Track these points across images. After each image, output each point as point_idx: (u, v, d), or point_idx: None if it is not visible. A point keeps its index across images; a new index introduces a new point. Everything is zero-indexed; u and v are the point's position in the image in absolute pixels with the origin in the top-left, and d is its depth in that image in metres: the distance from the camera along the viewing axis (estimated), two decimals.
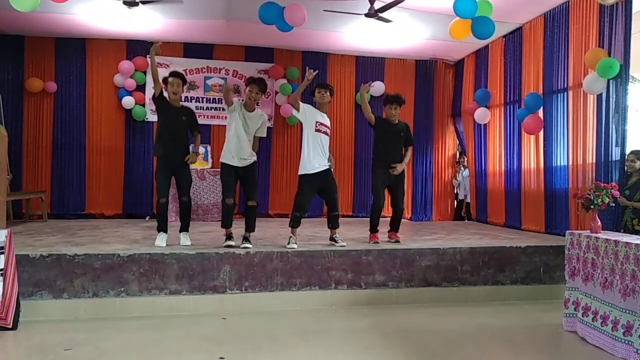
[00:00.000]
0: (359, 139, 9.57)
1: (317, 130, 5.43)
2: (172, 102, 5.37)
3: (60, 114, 8.69)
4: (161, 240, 5.18)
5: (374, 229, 5.80)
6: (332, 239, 5.53)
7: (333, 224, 5.57)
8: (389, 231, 5.89)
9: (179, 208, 5.69)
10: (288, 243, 5.25)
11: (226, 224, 5.29)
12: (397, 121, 5.90)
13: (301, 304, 4.86)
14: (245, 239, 5.20)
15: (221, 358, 3.47)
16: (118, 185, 8.85)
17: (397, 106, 5.83)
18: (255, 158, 5.48)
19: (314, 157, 5.38)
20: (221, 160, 5.39)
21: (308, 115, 5.44)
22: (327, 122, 5.58)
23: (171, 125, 5.32)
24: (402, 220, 6.20)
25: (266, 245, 5.26)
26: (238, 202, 6.31)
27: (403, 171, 5.86)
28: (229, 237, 5.23)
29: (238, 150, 5.31)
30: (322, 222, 6.30)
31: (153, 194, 8.72)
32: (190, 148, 5.53)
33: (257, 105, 5.77)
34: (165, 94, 5.36)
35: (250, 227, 5.36)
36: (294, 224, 5.40)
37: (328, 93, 5.56)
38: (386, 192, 5.90)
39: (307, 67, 5.60)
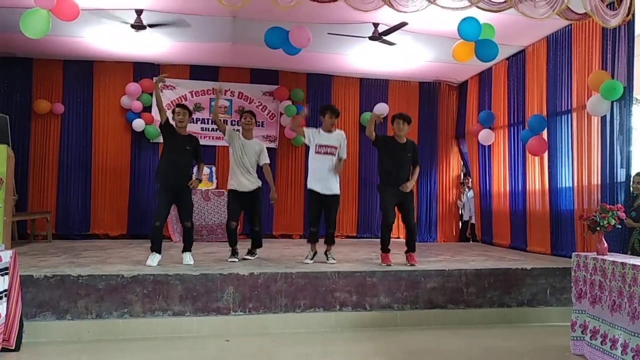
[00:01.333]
0: (362, 160, 9.60)
1: (317, 152, 5.71)
2: (179, 130, 5.59)
3: (67, 136, 8.77)
4: (152, 260, 5.25)
5: (385, 248, 5.77)
6: (325, 254, 5.75)
7: (328, 241, 5.80)
8: (406, 252, 5.84)
9: (182, 233, 5.81)
10: (306, 257, 5.70)
11: (231, 244, 5.83)
12: (404, 140, 5.90)
13: (305, 326, 4.81)
14: (249, 252, 5.87)
15: None
16: (123, 206, 8.87)
17: (404, 122, 5.82)
18: (259, 184, 5.92)
19: (312, 178, 5.73)
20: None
21: (311, 139, 5.77)
22: (333, 142, 5.76)
23: (176, 152, 5.50)
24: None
25: (270, 266, 5.24)
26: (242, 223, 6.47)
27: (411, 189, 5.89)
28: (234, 253, 5.70)
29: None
30: (322, 245, 6.27)
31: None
32: (194, 175, 5.77)
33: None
34: (172, 122, 5.59)
35: (256, 244, 5.97)
36: (310, 239, 5.79)
37: (333, 116, 5.79)
38: (396, 210, 5.89)
39: (305, 106, 5.99)
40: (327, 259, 5.67)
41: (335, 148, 5.73)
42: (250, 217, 6.02)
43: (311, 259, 5.66)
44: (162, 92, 8.84)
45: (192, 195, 5.70)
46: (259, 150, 5.96)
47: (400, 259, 5.74)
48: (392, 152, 5.81)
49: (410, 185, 5.78)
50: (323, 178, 5.65)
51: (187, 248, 5.51)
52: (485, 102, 8.70)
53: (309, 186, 5.75)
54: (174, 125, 5.58)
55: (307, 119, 9.28)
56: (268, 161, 6.06)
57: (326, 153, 5.69)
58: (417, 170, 5.96)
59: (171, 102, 8.94)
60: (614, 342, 3.73)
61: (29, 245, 7.25)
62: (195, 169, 5.97)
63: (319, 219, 5.78)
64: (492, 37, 5.91)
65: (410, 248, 5.77)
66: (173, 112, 5.67)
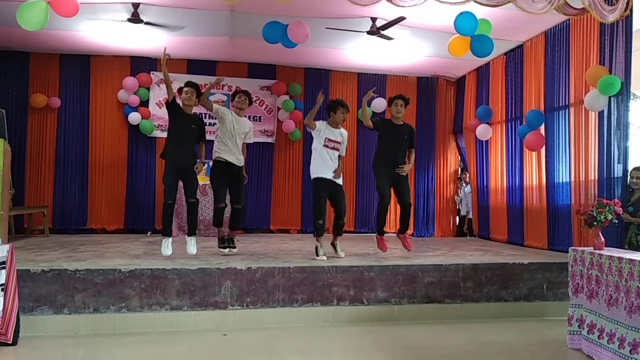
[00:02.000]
0: (360, 155, 9.59)
1: (325, 146, 5.68)
2: (185, 109, 5.60)
3: (64, 130, 8.74)
4: (167, 247, 5.34)
5: (381, 230, 5.83)
6: (333, 245, 5.75)
7: (338, 231, 5.80)
8: (399, 233, 5.86)
9: (186, 211, 5.76)
10: (317, 254, 5.50)
11: (217, 223, 5.80)
12: (401, 122, 5.93)
13: (303, 321, 4.82)
14: (229, 241, 5.76)
15: None
16: (120, 201, 8.86)
17: (401, 102, 5.88)
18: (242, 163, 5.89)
19: (322, 167, 5.65)
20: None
21: (321, 132, 5.70)
22: (339, 137, 5.78)
23: (182, 131, 5.55)
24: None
25: (268, 261, 5.24)
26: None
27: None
28: (223, 241, 5.74)
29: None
30: (324, 238, 6.27)
31: (155, 209, 8.75)
32: (198, 160, 5.76)
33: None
34: (178, 101, 5.62)
35: (237, 225, 5.91)
36: (318, 233, 5.64)
37: (346, 112, 5.85)
38: (391, 191, 5.93)
39: (320, 92, 5.86)
40: (337, 251, 5.70)
41: (340, 144, 5.78)
42: (236, 194, 5.86)
43: (324, 255, 5.49)
44: (158, 86, 8.87)
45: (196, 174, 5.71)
46: (247, 130, 5.92)
47: (398, 253, 5.76)
48: (390, 133, 5.82)
49: (407, 169, 5.85)
50: (331, 167, 5.66)
51: (192, 231, 5.59)
52: (483, 97, 8.69)
53: (317, 175, 5.65)
54: (181, 104, 5.59)
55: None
56: (251, 141, 6.05)
57: (333, 148, 5.72)
58: (414, 153, 5.99)
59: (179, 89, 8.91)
60: (610, 336, 3.75)
61: (26, 240, 7.24)
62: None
63: (326, 210, 5.76)
64: (489, 33, 5.91)
65: (403, 227, 5.81)
66: (180, 90, 5.68)
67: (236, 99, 5.90)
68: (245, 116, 6.06)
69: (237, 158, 5.77)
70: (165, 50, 5.62)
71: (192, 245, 5.51)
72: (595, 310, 3.97)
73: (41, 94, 8.54)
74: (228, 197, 5.91)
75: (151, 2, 6.37)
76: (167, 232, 5.46)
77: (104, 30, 7.35)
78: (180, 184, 5.68)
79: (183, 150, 5.52)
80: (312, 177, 5.73)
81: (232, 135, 5.72)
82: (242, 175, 5.90)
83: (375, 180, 6.01)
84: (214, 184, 5.81)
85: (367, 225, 9.46)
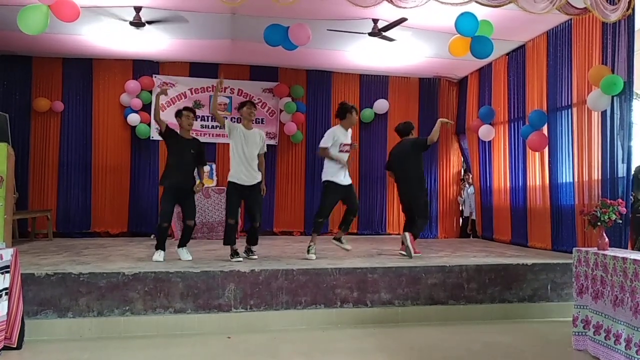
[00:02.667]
0: (363, 156, 9.59)
1: (341, 151, 5.80)
2: (183, 134, 5.66)
3: (67, 133, 8.77)
4: (159, 256, 5.38)
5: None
6: (339, 239, 5.91)
7: (346, 227, 6.01)
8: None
9: (182, 229, 5.79)
10: (307, 252, 5.66)
11: (230, 242, 5.56)
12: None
13: (306, 323, 4.82)
14: (248, 251, 5.66)
15: None
16: (123, 204, 8.87)
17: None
18: (260, 178, 5.76)
19: (339, 172, 5.79)
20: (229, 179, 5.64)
21: (336, 140, 5.78)
22: (349, 139, 5.96)
23: (180, 157, 5.56)
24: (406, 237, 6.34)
25: (271, 263, 5.24)
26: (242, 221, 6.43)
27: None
28: (235, 253, 5.51)
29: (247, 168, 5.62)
30: (327, 240, 6.28)
31: (158, 213, 8.72)
32: (196, 178, 5.79)
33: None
34: (173, 127, 5.65)
35: (254, 242, 5.76)
36: (316, 229, 5.83)
37: (357, 114, 6.16)
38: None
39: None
40: (344, 243, 5.91)
41: (350, 145, 5.95)
42: (250, 213, 5.80)
43: (314, 253, 5.65)
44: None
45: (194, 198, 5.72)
46: (260, 141, 5.75)
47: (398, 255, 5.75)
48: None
49: None
50: (346, 170, 5.85)
51: (183, 244, 5.60)
52: (485, 98, 8.69)
53: (332, 179, 5.74)
54: (180, 127, 5.63)
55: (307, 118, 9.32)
56: (265, 151, 5.91)
57: (347, 151, 5.86)
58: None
59: (170, 99, 8.95)
60: (617, 337, 3.74)
61: (30, 244, 7.25)
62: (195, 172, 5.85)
63: (330, 212, 5.97)
64: (490, 34, 5.92)
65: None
66: (179, 114, 5.63)
67: (245, 109, 5.71)
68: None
69: (252, 176, 5.61)
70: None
71: (185, 253, 5.55)
72: (601, 311, 3.95)
73: (44, 98, 8.57)
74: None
75: (153, 6, 6.38)
76: (160, 247, 5.44)
77: (106, 34, 7.37)
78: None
79: (182, 176, 5.53)
80: (325, 179, 5.79)
81: (244, 153, 5.57)
82: (259, 191, 5.73)
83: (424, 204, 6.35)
84: (227, 201, 5.74)
85: (371, 227, 9.46)
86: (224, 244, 5.57)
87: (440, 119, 6.26)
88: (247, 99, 9.08)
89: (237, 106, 5.94)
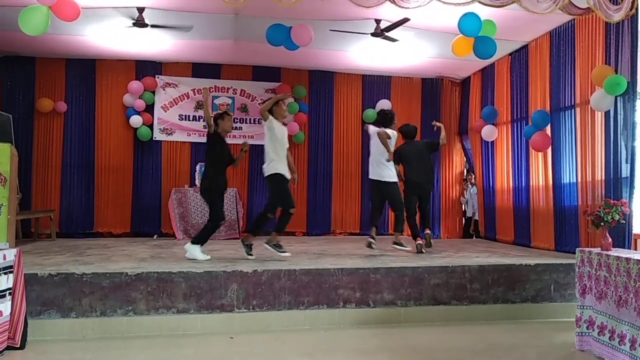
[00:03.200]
0: (365, 157, 9.56)
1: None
2: (224, 137, 5.92)
3: (70, 134, 8.78)
4: (204, 256, 5.57)
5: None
6: (397, 242, 6.24)
7: (399, 226, 6.51)
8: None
9: (209, 225, 5.84)
10: (400, 245, 6.30)
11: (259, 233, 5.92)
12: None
13: (309, 323, 4.81)
14: (276, 246, 5.72)
15: None
16: (126, 204, 8.88)
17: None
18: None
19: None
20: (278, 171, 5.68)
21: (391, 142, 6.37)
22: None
23: (226, 159, 5.92)
24: (410, 238, 6.43)
25: (274, 263, 5.24)
26: None
27: None
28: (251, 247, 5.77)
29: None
30: (330, 240, 6.28)
31: (161, 212, 8.79)
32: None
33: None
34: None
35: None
36: (402, 227, 6.61)
37: None
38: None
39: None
40: (402, 244, 6.25)
41: None
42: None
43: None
44: (163, 90, 8.91)
45: None
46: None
47: (403, 254, 5.74)
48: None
49: None
50: None
51: (200, 241, 5.69)
52: (488, 98, 8.67)
53: (395, 179, 6.40)
54: (223, 131, 5.82)
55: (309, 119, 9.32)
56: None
57: None
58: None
59: (173, 99, 8.97)
60: (622, 338, 3.73)
61: (33, 244, 7.27)
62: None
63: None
64: (494, 34, 5.91)
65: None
66: (222, 117, 5.79)
67: (279, 107, 5.75)
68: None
69: (288, 169, 5.81)
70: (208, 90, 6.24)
71: (197, 250, 5.64)
72: (605, 311, 3.94)
73: (47, 99, 8.59)
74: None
75: (156, 6, 6.39)
76: (202, 242, 5.68)
77: (109, 34, 7.38)
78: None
79: (225, 176, 5.93)
80: (392, 181, 6.33)
81: (283, 147, 5.74)
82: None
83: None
84: (284, 191, 5.77)
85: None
86: (255, 235, 5.83)
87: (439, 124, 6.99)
88: (250, 99, 9.17)
89: (267, 105, 5.78)
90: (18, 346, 3.94)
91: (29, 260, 5.12)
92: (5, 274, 3.88)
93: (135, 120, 8.73)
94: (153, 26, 6.75)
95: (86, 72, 8.78)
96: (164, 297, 4.64)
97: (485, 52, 5.96)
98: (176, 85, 9.01)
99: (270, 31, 6.14)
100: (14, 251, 4.02)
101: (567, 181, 6.65)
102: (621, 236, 5.30)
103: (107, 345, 4.19)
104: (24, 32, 5.28)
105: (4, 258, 3.86)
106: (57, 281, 4.49)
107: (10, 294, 3.93)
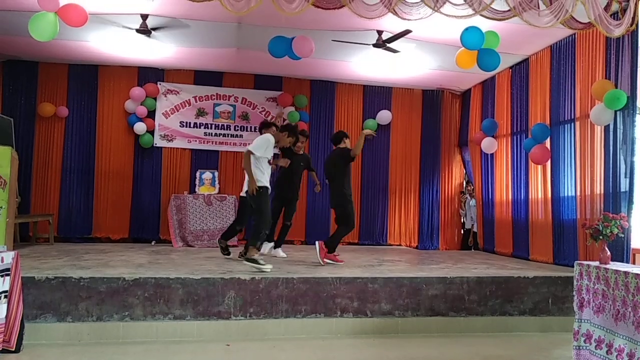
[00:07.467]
0: (365, 167, 9.60)
1: None
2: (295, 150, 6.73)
3: (71, 139, 8.79)
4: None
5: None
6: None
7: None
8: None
9: (283, 229, 6.90)
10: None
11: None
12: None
13: (306, 332, 4.80)
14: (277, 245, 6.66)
15: None
16: (125, 210, 8.87)
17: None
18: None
19: None
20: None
21: None
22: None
23: (295, 170, 6.77)
24: (409, 249, 6.32)
25: (272, 271, 5.22)
26: None
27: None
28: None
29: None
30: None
31: (159, 218, 8.78)
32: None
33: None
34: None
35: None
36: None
37: None
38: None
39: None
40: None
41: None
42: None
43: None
44: (165, 96, 8.94)
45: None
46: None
47: (402, 265, 5.73)
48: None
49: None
50: None
51: (279, 244, 6.69)
52: (488, 111, 8.71)
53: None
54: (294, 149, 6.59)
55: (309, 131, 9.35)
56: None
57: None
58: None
59: (174, 106, 8.99)
60: (619, 352, 3.71)
61: (31, 248, 7.26)
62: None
63: None
64: (497, 45, 5.93)
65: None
66: (293, 132, 6.26)
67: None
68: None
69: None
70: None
71: (281, 252, 6.71)
72: (602, 325, 3.93)
73: (49, 103, 8.61)
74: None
75: (159, 14, 6.43)
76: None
77: (112, 41, 7.42)
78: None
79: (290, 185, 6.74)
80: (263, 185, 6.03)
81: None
82: None
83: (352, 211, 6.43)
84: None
85: (371, 237, 9.43)
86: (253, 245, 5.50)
87: (364, 131, 6.49)
88: (251, 107, 9.21)
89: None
90: (13, 349, 3.93)
91: (27, 264, 5.11)
92: (2, 276, 3.87)
93: (140, 127, 8.74)
94: (154, 29, 6.76)
95: (88, 77, 8.81)
96: (161, 303, 4.63)
97: (489, 65, 5.98)
98: (178, 92, 9.04)
99: (273, 43, 6.19)
100: (11, 254, 4.01)
101: (566, 194, 6.65)
102: (620, 250, 5.30)
103: (103, 350, 4.17)
104: (34, 38, 5.30)
105: (2, 260, 3.86)
106: (54, 285, 4.48)
107: (6, 296, 3.92)
